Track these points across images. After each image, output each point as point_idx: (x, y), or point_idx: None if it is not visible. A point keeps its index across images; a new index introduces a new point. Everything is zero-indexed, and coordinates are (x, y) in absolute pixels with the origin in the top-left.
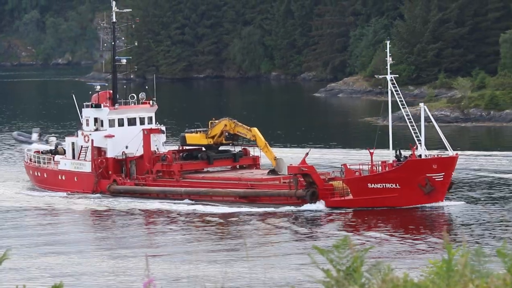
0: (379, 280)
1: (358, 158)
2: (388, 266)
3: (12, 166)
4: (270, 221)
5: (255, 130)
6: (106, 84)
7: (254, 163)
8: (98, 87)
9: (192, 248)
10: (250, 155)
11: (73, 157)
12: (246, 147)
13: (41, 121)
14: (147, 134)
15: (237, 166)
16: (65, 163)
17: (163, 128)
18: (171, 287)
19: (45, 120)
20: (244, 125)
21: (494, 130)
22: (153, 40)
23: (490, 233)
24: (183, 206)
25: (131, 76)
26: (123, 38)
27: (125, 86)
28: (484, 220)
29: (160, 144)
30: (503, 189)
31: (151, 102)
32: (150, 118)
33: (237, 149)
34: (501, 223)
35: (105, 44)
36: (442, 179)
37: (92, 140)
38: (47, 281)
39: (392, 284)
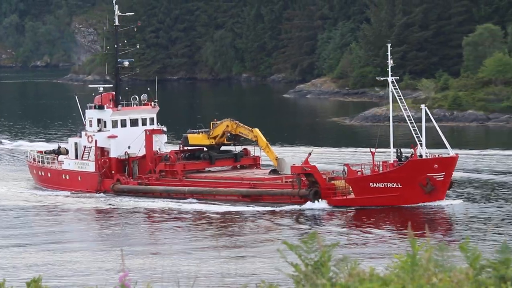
0: (346, 274)
1: (345, 158)
2: (354, 261)
3: (12, 165)
4: (272, 219)
5: (257, 130)
6: (111, 85)
7: (255, 163)
8: (101, 89)
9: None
10: (251, 155)
11: (76, 157)
12: (246, 148)
13: (19, 121)
14: (149, 134)
15: (238, 166)
16: (69, 163)
17: (165, 128)
18: (146, 280)
19: (23, 121)
20: (246, 126)
21: (457, 129)
22: (128, 43)
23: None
24: (185, 205)
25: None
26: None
27: (127, 88)
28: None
29: (162, 144)
30: (467, 186)
31: (152, 103)
32: (151, 119)
33: (238, 149)
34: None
35: (108, 47)
36: (442, 178)
37: (96, 141)
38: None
39: (359, 277)
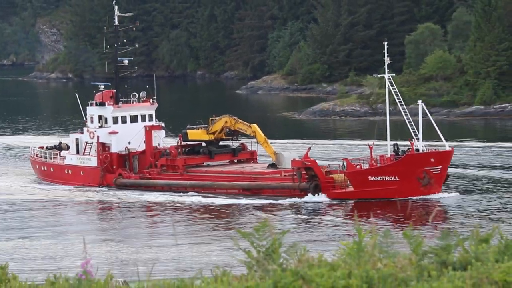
0: (296, 260)
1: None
2: (304, 248)
3: (13, 161)
4: (272, 211)
5: (255, 126)
6: (110, 84)
7: (252, 157)
8: (102, 86)
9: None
10: (248, 150)
11: (77, 152)
12: (243, 142)
13: None
14: (149, 130)
15: (235, 161)
16: (71, 158)
17: (163, 124)
18: (107, 268)
19: None
20: (244, 122)
21: (400, 123)
22: (89, 43)
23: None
24: (183, 198)
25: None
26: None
27: (126, 86)
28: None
29: (161, 139)
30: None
31: (151, 100)
32: (150, 115)
33: (235, 144)
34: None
35: (108, 47)
36: (439, 172)
37: (98, 137)
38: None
39: (308, 263)
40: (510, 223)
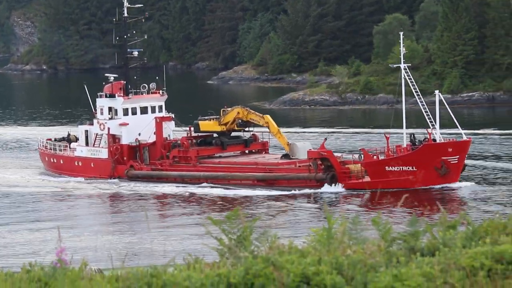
0: (267, 247)
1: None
2: (274, 235)
3: (18, 153)
4: (289, 202)
5: (268, 117)
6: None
7: (263, 148)
8: (112, 78)
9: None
10: (259, 141)
11: (86, 144)
12: (255, 133)
13: None
14: (159, 122)
15: (246, 151)
16: (81, 150)
17: (173, 116)
18: (81, 256)
19: None
20: (257, 113)
21: (369, 112)
22: (63, 35)
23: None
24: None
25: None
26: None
27: (135, 77)
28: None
29: (170, 131)
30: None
31: (160, 91)
32: (160, 107)
33: (247, 135)
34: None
35: (117, 38)
36: (456, 161)
37: (109, 128)
38: None
39: (278, 250)
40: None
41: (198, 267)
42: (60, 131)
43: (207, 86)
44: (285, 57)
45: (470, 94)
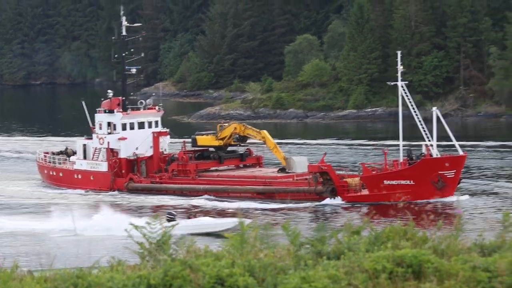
0: (184, 251)
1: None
2: (191, 239)
3: (14, 165)
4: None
5: (265, 132)
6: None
7: (258, 162)
8: (111, 94)
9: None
10: (254, 155)
11: (84, 158)
12: (249, 148)
13: None
14: (156, 136)
15: (241, 165)
16: (81, 163)
17: (169, 130)
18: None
19: None
20: (253, 128)
21: (280, 125)
22: None
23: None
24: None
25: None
26: None
27: (132, 93)
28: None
29: (166, 145)
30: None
31: (157, 107)
32: (156, 122)
33: (242, 149)
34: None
35: (116, 55)
36: (453, 175)
37: (108, 142)
38: None
39: (195, 254)
40: None
41: (121, 269)
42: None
43: (130, 101)
44: (203, 75)
45: (374, 109)
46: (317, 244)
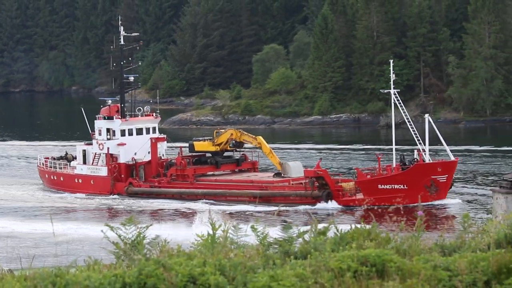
0: (158, 251)
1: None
2: (164, 240)
3: (12, 170)
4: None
5: (260, 138)
6: (117, 99)
7: (253, 167)
8: (110, 101)
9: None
10: (249, 160)
11: (84, 163)
12: (245, 153)
13: None
14: (154, 142)
15: (236, 170)
16: (81, 168)
17: (166, 136)
18: None
19: None
20: (249, 134)
21: (249, 131)
22: None
23: None
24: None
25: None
26: None
27: (129, 100)
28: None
29: (163, 150)
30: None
31: (154, 114)
32: (154, 128)
33: (237, 155)
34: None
35: (114, 64)
36: (445, 180)
37: (108, 148)
38: None
39: (168, 253)
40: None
41: (97, 268)
42: None
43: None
44: (175, 82)
45: (338, 115)
46: (285, 244)
